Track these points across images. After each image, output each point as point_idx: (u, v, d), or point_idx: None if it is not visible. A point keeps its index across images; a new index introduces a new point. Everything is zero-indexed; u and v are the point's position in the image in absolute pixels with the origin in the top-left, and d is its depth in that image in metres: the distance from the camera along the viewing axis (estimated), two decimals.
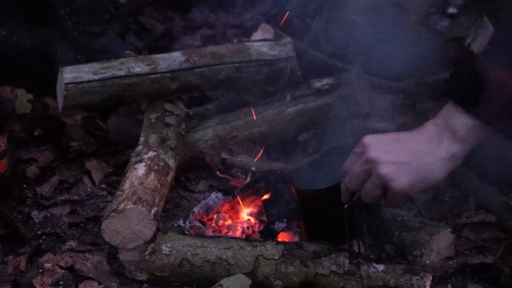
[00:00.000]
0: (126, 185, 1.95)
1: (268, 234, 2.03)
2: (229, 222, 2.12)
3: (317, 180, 2.00)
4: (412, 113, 2.49)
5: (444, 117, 1.63)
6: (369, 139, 1.68)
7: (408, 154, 1.63)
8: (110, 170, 2.37)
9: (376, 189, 1.66)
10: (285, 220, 2.04)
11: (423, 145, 1.63)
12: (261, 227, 2.06)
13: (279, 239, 2.02)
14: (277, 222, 2.04)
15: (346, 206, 1.79)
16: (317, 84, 2.47)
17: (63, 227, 2.12)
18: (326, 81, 2.48)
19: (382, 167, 1.63)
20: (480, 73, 1.59)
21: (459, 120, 1.61)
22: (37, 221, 2.14)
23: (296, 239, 2.03)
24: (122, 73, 2.27)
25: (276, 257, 1.87)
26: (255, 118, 2.39)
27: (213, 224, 2.12)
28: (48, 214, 2.16)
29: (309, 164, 2.05)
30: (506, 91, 1.56)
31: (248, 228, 2.08)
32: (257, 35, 2.54)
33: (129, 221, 1.87)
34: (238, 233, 2.07)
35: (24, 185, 2.29)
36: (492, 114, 1.58)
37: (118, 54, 2.36)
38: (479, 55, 1.61)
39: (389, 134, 1.70)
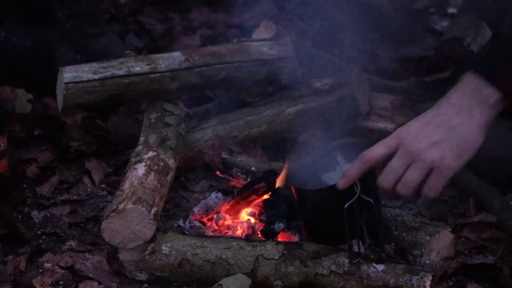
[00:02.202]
0: (126, 185, 1.95)
1: (268, 234, 2.03)
2: (229, 222, 2.12)
3: (317, 179, 2.00)
4: (412, 113, 2.48)
5: (471, 85, 1.64)
6: (403, 132, 1.68)
7: (444, 132, 1.64)
8: (110, 170, 2.37)
9: (419, 176, 1.66)
10: (285, 220, 2.04)
11: (455, 117, 1.64)
12: (261, 227, 2.05)
13: (279, 239, 2.01)
14: (277, 222, 2.03)
15: (346, 206, 1.79)
16: (317, 84, 2.47)
17: (63, 227, 2.12)
18: (326, 81, 2.48)
19: (427, 154, 1.64)
20: (505, 44, 1.61)
21: (487, 89, 1.62)
22: (37, 221, 2.14)
23: (296, 239, 2.03)
24: (122, 72, 2.27)
25: (276, 257, 1.87)
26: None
27: (213, 224, 2.12)
28: (48, 214, 2.16)
29: (308, 164, 2.05)
30: None
31: (248, 228, 2.08)
32: (258, 32, 2.54)
33: (129, 221, 1.87)
34: (238, 233, 2.07)
35: (24, 185, 2.29)
36: None
37: (117, 55, 2.36)
38: (506, 31, 1.63)
39: (418, 119, 1.69)
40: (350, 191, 1.82)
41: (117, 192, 1.95)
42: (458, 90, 1.66)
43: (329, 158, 2.03)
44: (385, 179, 1.70)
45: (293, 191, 1.98)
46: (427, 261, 1.96)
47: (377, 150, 1.72)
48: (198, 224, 2.12)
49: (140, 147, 2.14)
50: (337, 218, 1.84)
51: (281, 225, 2.03)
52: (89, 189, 2.30)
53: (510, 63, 1.60)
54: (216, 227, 2.10)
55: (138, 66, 2.29)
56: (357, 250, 1.88)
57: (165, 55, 2.35)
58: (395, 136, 1.70)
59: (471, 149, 1.65)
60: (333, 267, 1.85)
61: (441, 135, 1.64)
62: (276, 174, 2.16)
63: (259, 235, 2.04)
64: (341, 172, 1.92)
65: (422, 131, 1.66)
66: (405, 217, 2.05)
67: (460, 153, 1.64)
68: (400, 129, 1.70)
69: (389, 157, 1.70)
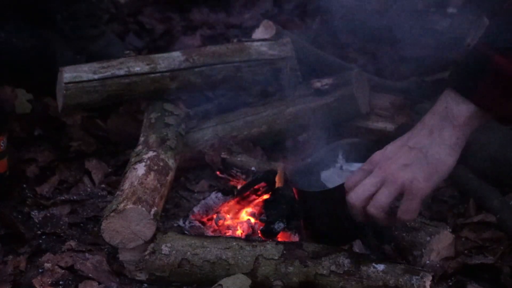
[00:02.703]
0: (126, 185, 1.95)
1: (268, 234, 2.03)
2: (229, 222, 2.12)
3: (317, 180, 2.00)
4: (412, 113, 2.48)
5: (443, 104, 1.64)
6: (377, 156, 1.70)
7: (416, 154, 1.65)
8: (110, 170, 2.37)
9: (390, 196, 1.67)
10: (285, 220, 2.04)
11: (426, 138, 1.65)
12: (261, 227, 2.05)
13: (279, 239, 2.01)
14: (277, 222, 2.03)
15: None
16: (317, 84, 2.47)
17: (63, 227, 2.12)
18: (326, 81, 2.47)
19: (398, 175, 1.65)
20: (479, 59, 1.60)
21: (458, 107, 1.62)
22: (37, 221, 2.14)
23: (296, 239, 2.03)
24: (121, 72, 2.27)
25: (276, 257, 1.87)
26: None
27: (213, 224, 2.12)
28: (48, 214, 2.16)
29: (309, 164, 2.04)
30: (505, 77, 1.57)
31: (248, 228, 2.08)
32: (259, 31, 2.54)
33: (129, 221, 1.87)
34: (238, 233, 2.07)
35: (24, 185, 2.29)
36: (491, 100, 1.60)
37: (117, 56, 2.36)
38: (478, 42, 1.62)
39: (395, 141, 1.71)
40: None
41: (117, 192, 1.95)
42: (431, 110, 1.66)
43: (329, 158, 2.03)
44: (353, 195, 1.71)
45: (295, 192, 1.98)
46: (427, 262, 1.96)
47: (356, 177, 1.73)
48: (198, 224, 2.12)
49: (140, 147, 2.14)
50: (338, 219, 1.84)
51: (281, 225, 2.03)
52: (89, 189, 2.30)
53: (485, 76, 1.59)
54: (216, 227, 2.10)
55: (138, 66, 2.29)
56: (356, 250, 1.89)
57: (165, 55, 2.35)
58: (371, 160, 1.72)
59: (442, 170, 1.65)
60: (333, 267, 1.85)
61: (412, 156, 1.65)
62: (276, 174, 2.16)
63: (259, 235, 2.04)
64: (340, 172, 1.93)
65: (396, 153, 1.67)
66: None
67: (431, 174, 1.64)
68: (377, 152, 1.72)
69: None
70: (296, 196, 1.98)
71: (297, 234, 2.04)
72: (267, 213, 2.07)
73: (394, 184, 1.66)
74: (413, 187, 1.64)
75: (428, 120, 1.66)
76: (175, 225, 2.14)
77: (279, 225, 2.03)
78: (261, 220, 2.08)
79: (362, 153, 1.99)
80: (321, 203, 1.91)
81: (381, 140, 2.34)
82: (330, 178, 1.96)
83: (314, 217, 1.95)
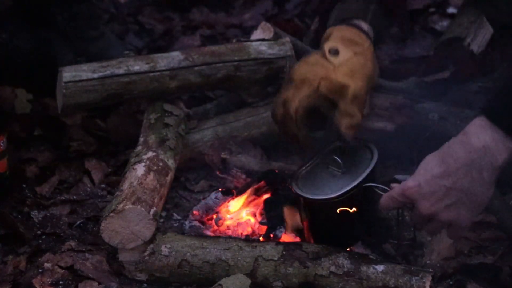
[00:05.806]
0: (125, 185, 1.95)
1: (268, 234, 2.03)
2: (229, 222, 2.12)
3: (318, 185, 1.99)
4: (412, 113, 2.48)
5: (480, 141, 1.66)
6: (414, 191, 1.72)
7: (456, 194, 1.69)
8: (110, 170, 2.37)
9: (440, 229, 1.78)
10: (285, 222, 2.04)
11: (465, 179, 1.68)
12: (263, 233, 2.04)
13: (279, 240, 2.01)
14: (278, 227, 2.03)
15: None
16: None
17: (63, 227, 2.12)
18: None
19: (443, 216, 1.71)
20: None
21: (498, 146, 1.65)
22: (37, 221, 2.14)
23: (296, 239, 2.02)
24: (121, 71, 2.27)
25: (276, 258, 1.87)
26: None
27: (213, 224, 2.12)
28: (48, 214, 2.16)
29: (309, 168, 2.02)
30: None
31: (248, 228, 2.08)
32: (257, 33, 2.54)
33: (128, 221, 1.87)
34: (238, 233, 2.07)
35: (24, 185, 2.29)
36: None
37: (116, 57, 2.35)
38: None
39: (427, 176, 1.71)
40: (357, 199, 1.85)
41: (117, 193, 1.95)
42: (466, 144, 1.67)
43: (329, 161, 2.01)
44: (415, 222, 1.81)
45: (299, 198, 1.96)
46: (428, 262, 1.97)
47: (388, 204, 1.79)
48: (198, 224, 2.12)
49: (139, 147, 2.14)
50: (343, 224, 1.85)
51: (282, 230, 2.02)
52: (89, 189, 2.30)
53: None
54: (216, 227, 2.10)
55: (137, 65, 2.28)
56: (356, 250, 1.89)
57: (164, 54, 2.35)
58: (405, 192, 1.74)
59: (483, 203, 1.71)
60: (333, 268, 1.85)
61: (453, 197, 1.69)
62: (276, 174, 2.16)
63: (259, 236, 2.04)
64: (340, 176, 1.93)
65: (434, 193, 1.70)
66: (406, 217, 2.05)
67: (474, 208, 1.71)
68: (410, 186, 1.73)
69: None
70: (301, 203, 1.96)
71: (297, 235, 2.04)
72: (267, 215, 2.07)
73: (440, 223, 1.73)
74: (459, 222, 1.72)
75: (464, 156, 1.67)
76: (175, 225, 2.14)
77: (280, 230, 2.02)
78: (261, 223, 2.07)
79: (361, 154, 1.99)
80: (324, 209, 1.91)
81: (381, 140, 2.34)
82: (331, 182, 1.95)
83: (317, 223, 1.95)
